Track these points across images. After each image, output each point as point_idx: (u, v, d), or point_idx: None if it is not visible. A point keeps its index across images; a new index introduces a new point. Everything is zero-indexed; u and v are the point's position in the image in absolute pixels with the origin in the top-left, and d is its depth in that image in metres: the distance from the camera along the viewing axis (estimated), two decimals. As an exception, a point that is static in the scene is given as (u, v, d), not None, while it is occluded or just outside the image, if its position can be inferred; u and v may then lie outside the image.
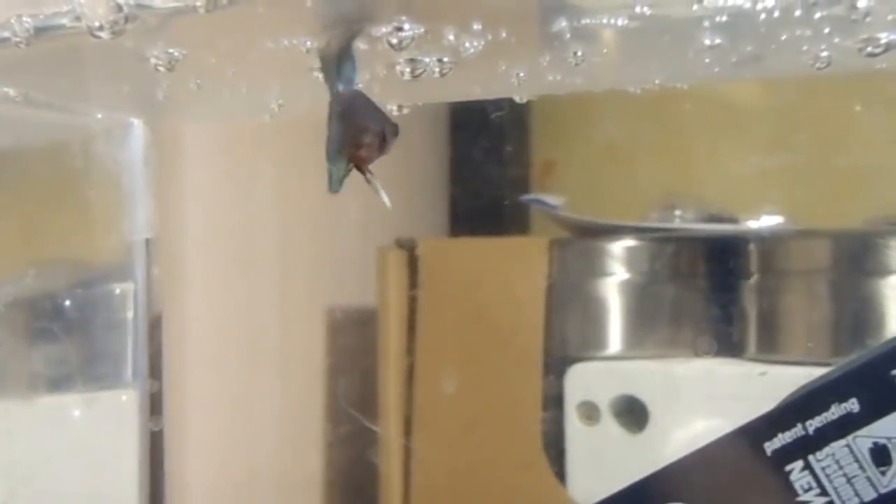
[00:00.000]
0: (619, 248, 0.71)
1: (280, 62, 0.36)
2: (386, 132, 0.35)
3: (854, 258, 0.63)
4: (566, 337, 0.71)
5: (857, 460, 0.31)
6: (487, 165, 0.93)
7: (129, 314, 0.58)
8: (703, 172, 0.82)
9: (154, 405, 0.58)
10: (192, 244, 0.65)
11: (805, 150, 0.78)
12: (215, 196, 0.66)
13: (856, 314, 0.62)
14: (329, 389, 0.80)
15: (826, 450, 0.31)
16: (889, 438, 0.30)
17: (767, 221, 0.71)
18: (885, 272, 0.61)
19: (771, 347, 0.66)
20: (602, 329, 0.71)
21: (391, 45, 0.31)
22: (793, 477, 0.32)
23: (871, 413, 0.31)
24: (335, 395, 0.78)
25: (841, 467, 0.31)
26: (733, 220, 0.74)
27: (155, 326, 0.59)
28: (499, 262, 0.75)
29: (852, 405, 0.31)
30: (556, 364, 0.70)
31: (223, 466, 0.68)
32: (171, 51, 0.35)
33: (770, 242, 0.68)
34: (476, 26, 0.31)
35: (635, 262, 0.71)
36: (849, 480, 0.31)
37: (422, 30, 0.31)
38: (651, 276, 0.70)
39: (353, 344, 0.82)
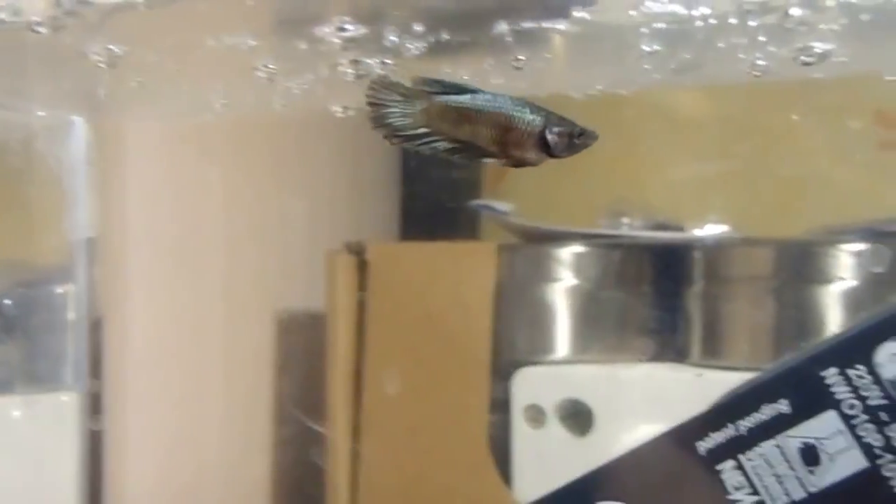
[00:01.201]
0: (567, 254, 0.72)
1: (223, 61, 0.36)
2: None
3: (795, 266, 0.64)
4: (514, 341, 0.72)
5: (786, 460, 0.31)
6: (439, 170, 0.93)
7: (71, 315, 0.57)
8: (652, 180, 0.82)
9: (95, 405, 0.58)
10: (136, 244, 0.64)
11: (750, 159, 0.79)
12: (160, 196, 0.66)
13: (796, 321, 0.63)
14: (277, 392, 0.80)
15: (757, 449, 0.32)
16: (818, 438, 0.31)
17: (712, 230, 0.72)
18: (824, 280, 0.62)
19: (714, 352, 0.67)
20: (549, 333, 0.71)
21: (334, 46, 0.31)
22: (724, 476, 0.32)
23: (800, 414, 0.32)
24: (283, 398, 0.78)
25: (771, 466, 0.32)
26: (679, 228, 0.75)
27: (96, 327, 0.58)
28: (447, 267, 0.75)
29: (782, 406, 0.32)
30: (504, 368, 0.70)
31: (166, 467, 0.67)
32: (111, 47, 0.35)
33: (714, 250, 0.69)
34: (417, 28, 0.31)
35: (583, 268, 0.72)
36: (779, 479, 0.31)
37: (364, 31, 0.31)
38: (598, 282, 0.71)
39: (301, 347, 0.82)
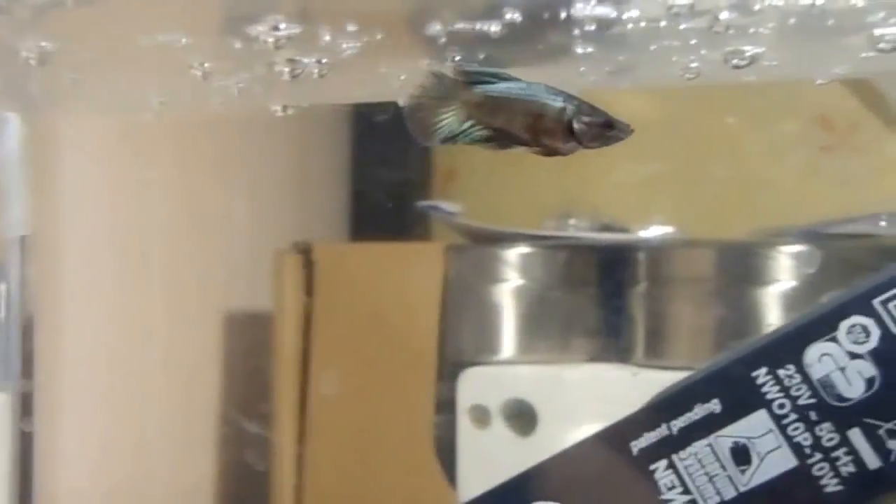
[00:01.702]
0: (513, 255, 0.72)
1: (157, 59, 0.35)
2: None
3: (736, 268, 0.65)
4: (460, 342, 0.72)
5: (718, 459, 0.32)
6: (389, 170, 0.93)
7: (2, 314, 0.56)
8: (599, 182, 0.83)
9: (26, 406, 0.57)
10: (72, 243, 0.63)
11: (695, 161, 0.80)
12: (97, 194, 0.65)
13: (737, 321, 0.64)
14: (222, 394, 0.79)
15: (689, 449, 0.32)
16: (749, 438, 0.31)
17: (657, 231, 0.73)
18: (763, 281, 0.63)
19: (657, 352, 0.68)
20: (495, 334, 0.71)
21: (268, 45, 0.31)
22: (657, 475, 0.32)
23: (732, 413, 0.32)
24: (226, 399, 0.77)
25: (703, 466, 0.32)
26: (624, 230, 0.75)
27: (29, 326, 0.57)
28: (395, 268, 0.75)
29: (714, 405, 0.32)
30: (450, 368, 0.70)
31: (100, 471, 0.66)
32: (43, 44, 0.34)
33: (658, 252, 0.70)
34: (350, 28, 0.31)
35: (529, 269, 0.72)
36: (710, 479, 0.32)
37: (298, 29, 0.31)
38: (544, 283, 0.71)
39: (247, 347, 0.81)
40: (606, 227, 0.76)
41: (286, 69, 0.35)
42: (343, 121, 0.93)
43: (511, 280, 0.72)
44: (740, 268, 0.64)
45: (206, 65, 0.35)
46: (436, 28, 0.30)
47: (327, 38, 0.32)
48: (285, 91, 0.39)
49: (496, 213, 0.85)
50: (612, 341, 0.69)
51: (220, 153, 0.78)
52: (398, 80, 0.37)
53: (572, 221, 0.77)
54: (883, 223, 0.64)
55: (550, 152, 0.36)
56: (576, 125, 0.35)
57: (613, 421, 0.35)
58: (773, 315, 0.62)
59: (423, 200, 0.87)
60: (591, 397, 0.64)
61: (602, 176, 0.83)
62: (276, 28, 0.31)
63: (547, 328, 0.71)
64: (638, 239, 0.73)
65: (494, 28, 0.30)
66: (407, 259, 0.76)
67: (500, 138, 0.36)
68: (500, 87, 0.34)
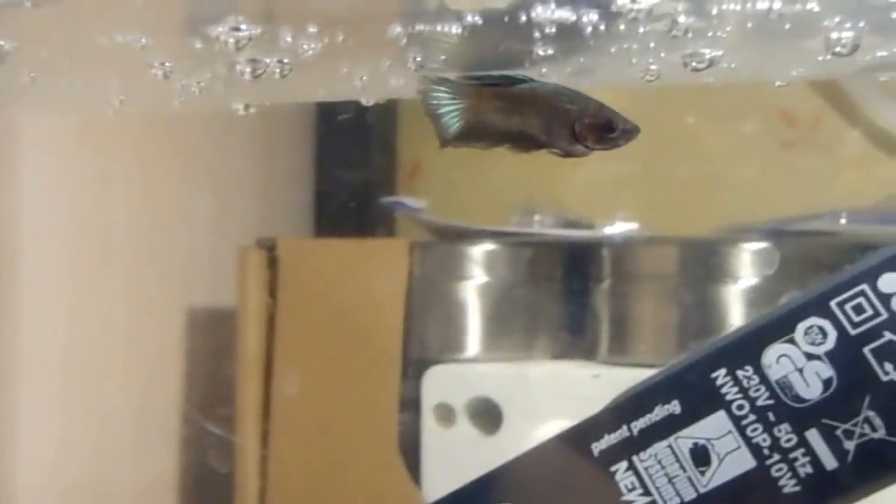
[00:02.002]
0: (478, 251, 0.72)
1: (116, 58, 0.35)
2: None
3: (700, 265, 0.65)
4: (425, 339, 0.72)
5: (678, 460, 0.32)
6: (354, 166, 0.93)
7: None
8: (564, 179, 0.83)
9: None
10: (31, 241, 0.63)
11: (660, 158, 0.80)
12: (58, 191, 0.64)
13: (701, 319, 0.64)
14: (184, 392, 0.79)
15: (649, 450, 0.32)
16: (708, 439, 0.32)
17: (621, 228, 0.73)
18: (728, 279, 0.64)
19: (622, 350, 0.68)
20: (460, 332, 0.71)
21: (229, 45, 0.31)
22: (618, 477, 0.33)
23: (691, 414, 0.32)
24: (188, 400, 0.77)
25: (663, 467, 0.32)
26: (589, 226, 0.76)
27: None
28: (359, 264, 0.75)
29: (674, 407, 0.32)
30: (415, 366, 0.70)
31: (58, 468, 0.66)
32: (0, 43, 0.34)
33: (622, 248, 0.70)
34: (311, 29, 0.31)
35: (494, 266, 0.72)
36: (670, 480, 0.32)
37: (258, 30, 0.31)
38: (509, 280, 0.71)
39: (211, 344, 0.81)
40: (571, 224, 0.76)
41: (247, 69, 0.34)
42: (307, 117, 0.92)
43: (476, 277, 0.72)
44: (703, 265, 0.64)
45: (166, 64, 0.35)
46: (396, 30, 0.30)
47: (288, 38, 0.32)
48: (247, 90, 0.39)
49: (461, 208, 0.85)
50: (576, 339, 0.69)
51: (183, 150, 0.78)
52: (359, 81, 0.36)
53: (537, 218, 0.78)
54: (843, 220, 0.64)
55: (566, 154, 0.36)
56: (576, 128, 0.34)
57: (578, 419, 0.35)
58: (735, 311, 0.63)
59: (387, 196, 0.86)
60: (555, 395, 0.64)
61: (567, 173, 0.83)
62: (236, 29, 0.31)
63: (512, 326, 0.71)
64: (602, 236, 0.73)
65: (455, 30, 0.30)
66: (371, 256, 0.76)
67: (518, 142, 0.35)
68: (513, 90, 0.34)
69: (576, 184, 0.82)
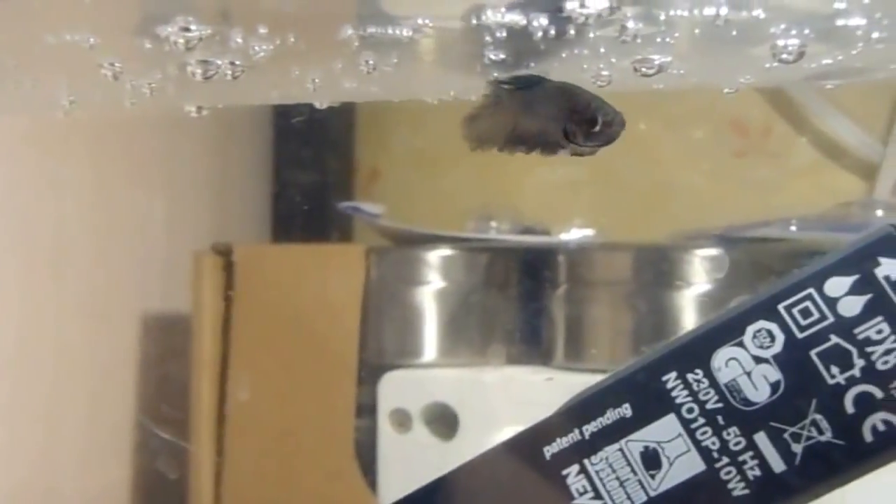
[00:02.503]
0: (435, 257, 0.72)
1: (65, 57, 0.35)
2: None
3: (654, 270, 0.66)
4: (381, 345, 0.72)
5: (629, 464, 0.32)
6: (311, 171, 0.92)
7: None
8: (521, 185, 0.84)
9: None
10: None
11: (615, 165, 0.81)
12: (8, 194, 0.63)
13: (656, 323, 0.65)
14: (138, 399, 0.78)
15: (601, 454, 0.32)
16: (659, 442, 0.32)
17: (577, 234, 0.74)
18: (681, 284, 0.64)
19: (577, 355, 0.68)
20: (416, 337, 0.71)
21: (179, 46, 0.31)
22: (569, 480, 0.33)
23: (642, 418, 0.32)
24: (142, 406, 0.76)
25: (614, 471, 0.32)
26: (545, 232, 0.76)
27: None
28: (316, 270, 0.75)
29: (626, 410, 0.32)
30: (371, 372, 0.70)
31: (6, 476, 0.65)
32: (-56, 42, 0.33)
33: (578, 254, 0.70)
34: (262, 30, 0.31)
35: (450, 272, 0.72)
36: (621, 483, 0.32)
37: (209, 31, 0.30)
38: (465, 286, 0.71)
39: (165, 351, 0.80)
40: (527, 230, 0.77)
41: (199, 70, 0.34)
42: (264, 121, 0.92)
43: (432, 282, 0.72)
44: (657, 270, 0.65)
45: (116, 65, 0.35)
46: (347, 32, 0.30)
47: (239, 40, 0.31)
48: (199, 92, 0.38)
49: (419, 214, 0.85)
50: (532, 344, 0.70)
51: (137, 153, 0.77)
52: (312, 83, 0.36)
53: (493, 224, 0.78)
54: (793, 227, 0.65)
55: (575, 153, 0.35)
56: (566, 127, 0.34)
57: (533, 423, 0.35)
58: (688, 316, 0.63)
59: (344, 201, 0.86)
60: (511, 401, 0.64)
61: (523, 178, 0.83)
62: (186, 29, 0.30)
63: (468, 331, 0.71)
64: (558, 242, 0.73)
65: (406, 33, 0.30)
66: (328, 261, 0.75)
67: (544, 144, 0.35)
68: (534, 91, 0.33)
69: (532, 190, 0.83)
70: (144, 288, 0.79)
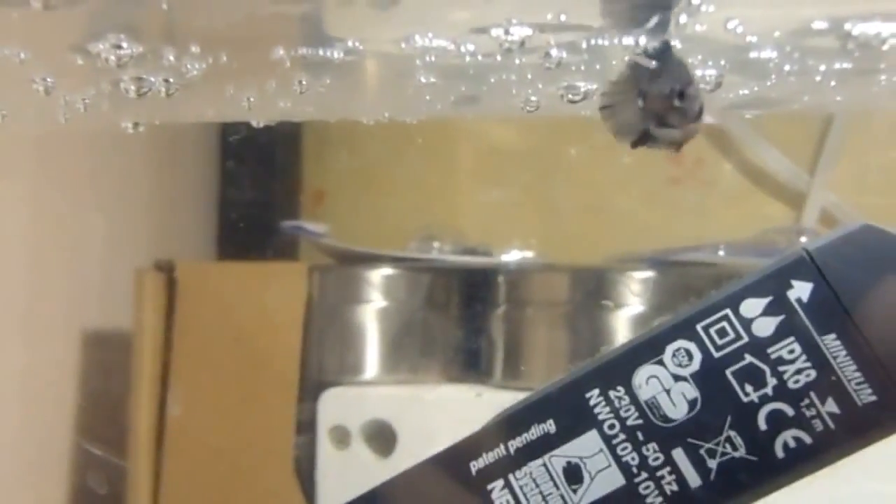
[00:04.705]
0: (377, 276, 0.73)
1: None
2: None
3: (590, 292, 0.67)
4: (322, 362, 0.72)
5: (552, 479, 0.32)
6: (258, 189, 0.92)
7: None
8: (464, 206, 0.84)
9: None
10: None
11: (556, 188, 0.82)
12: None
13: (591, 343, 0.66)
14: (76, 415, 0.77)
15: (525, 469, 0.33)
16: (581, 458, 0.32)
17: (517, 255, 0.75)
18: (615, 306, 0.65)
19: (515, 374, 0.69)
20: (357, 355, 0.71)
21: (110, 62, 0.31)
22: (494, 495, 0.33)
23: (565, 433, 0.33)
24: (80, 422, 0.75)
25: (538, 486, 0.33)
26: (487, 253, 0.77)
27: None
28: (258, 287, 0.75)
29: (549, 426, 0.33)
30: (312, 389, 0.70)
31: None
32: None
33: (517, 275, 0.71)
34: (194, 49, 0.31)
35: (392, 291, 0.72)
36: (544, 498, 0.32)
37: (141, 49, 0.31)
38: (406, 305, 0.72)
39: (105, 368, 0.79)
40: (469, 251, 0.78)
41: (132, 87, 0.34)
42: (210, 138, 0.92)
43: (374, 301, 0.72)
44: (595, 292, 0.66)
45: (48, 80, 0.35)
46: (279, 53, 0.30)
47: (171, 58, 0.32)
48: (134, 108, 0.39)
49: (363, 233, 0.86)
50: (471, 362, 0.70)
51: (78, 168, 0.76)
52: (247, 102, 0.37)
53: (436, 244, 0.78)
54: (721, 252, 0.67)
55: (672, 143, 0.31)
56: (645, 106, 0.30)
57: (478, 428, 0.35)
58: (622, 337, 0.65)
59: (288, 220, 0.86)
60: (449, 418, 0.65)
61: (465, 199, 0.84)
62: (118, 46, 0.30)
63: (408, 349, 0.72)
64: (497, 262, 0.74)
65: (338, 55, 0.30)
66: (271, 279, 0.75)
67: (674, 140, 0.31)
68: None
69: (475, 211, 0.83)
70: (85, 305, 0.79)
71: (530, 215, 0.81)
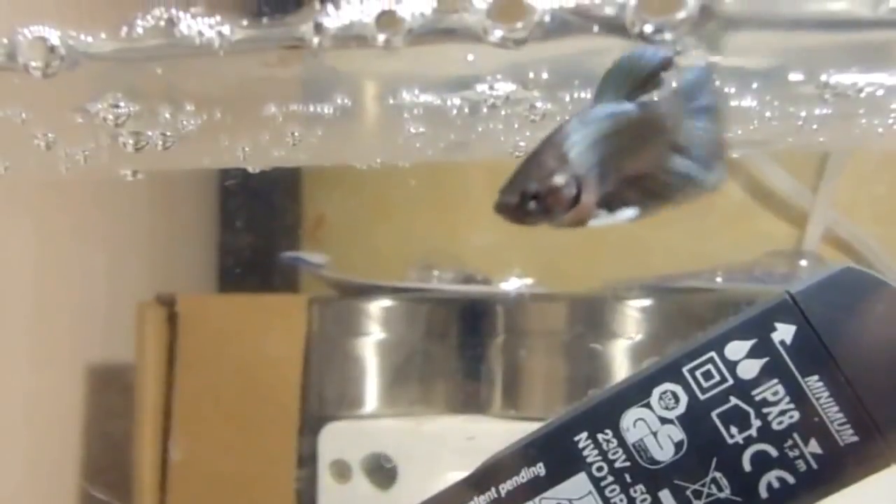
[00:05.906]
0: (376, 307, 0.73)
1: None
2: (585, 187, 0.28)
3: (588, 321, 0.67)
4: (323, 395, 0.72)
5: (543, 521, 0.33)
6: (258, 222, 0.93)
7: None
8: (463, 234, 0.85)
9: None
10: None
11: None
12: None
13: (589, 373, 0.66)
14: (81, 449, 0.77)
15: (515, 511, 0.33)
16: (570, 500, 0.33)
17: (516, 284, 0.75)
18: (614, 334, 0.66)
19: (515, 404, 0.69)
20: (357, 388, 0.72)
21: (108, 121, 0.32)
22: (486, 538, 0.33)
23: (555, 476, 0.33)
24: (84, 456, 0.76)
25: (529, 528, 0.33)
26: (487, 282, 0.77)
27: None
28: (258, 320, 0.75)
29: (539, 469, 0.33)
30: (313, 423, 0.71)
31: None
32: None
33: (516, 304, 0.72)
34: (189, 107, 0.32)
35: (391, 322, 0.73)
36: (536, 539, 0.33)
37: (137, 108, 0.31)
38: (406, 336, 0.72)
39: (109, 402, 0.80)
40: (468, 279, 0.78)
41: (130, 141, 0.35)
42: (210, 173, 0.92)
43: (373, 333, 0.73)
44: (593, 321, 0.66)
45: (49, 135, 0.36)
46: (271, 110, 0.31)
47: (167, 115, 0.33)
48: (132, 159, 0.39)
49: (364, 262, 0.86)
50: (471, 393, 0.71)
51: (81, 204, 0.77)
52: (242, 152, 0.37)
53: (435, 273, 0.79)
54: (719, 279, 0.67)
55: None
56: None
57: (471, 472, 0.36)
58: (621, 364, 0.65)
59: (288, 252, 0.87)
60: (449, 449, 0.65)
61: (466, 228, 0.84)
62: (115, 106, 0.31)
63: (408, 381, 0.72)
64: (496, 291, 0.75)
65: (328, 110, 0.31)
66: (270, 312, 0.76)
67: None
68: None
69: (474, 240, 0.84)
70: (89, 339, 0.79)
71: (529, 242, 0.81)
